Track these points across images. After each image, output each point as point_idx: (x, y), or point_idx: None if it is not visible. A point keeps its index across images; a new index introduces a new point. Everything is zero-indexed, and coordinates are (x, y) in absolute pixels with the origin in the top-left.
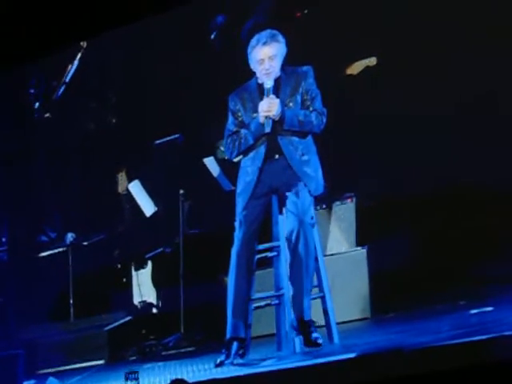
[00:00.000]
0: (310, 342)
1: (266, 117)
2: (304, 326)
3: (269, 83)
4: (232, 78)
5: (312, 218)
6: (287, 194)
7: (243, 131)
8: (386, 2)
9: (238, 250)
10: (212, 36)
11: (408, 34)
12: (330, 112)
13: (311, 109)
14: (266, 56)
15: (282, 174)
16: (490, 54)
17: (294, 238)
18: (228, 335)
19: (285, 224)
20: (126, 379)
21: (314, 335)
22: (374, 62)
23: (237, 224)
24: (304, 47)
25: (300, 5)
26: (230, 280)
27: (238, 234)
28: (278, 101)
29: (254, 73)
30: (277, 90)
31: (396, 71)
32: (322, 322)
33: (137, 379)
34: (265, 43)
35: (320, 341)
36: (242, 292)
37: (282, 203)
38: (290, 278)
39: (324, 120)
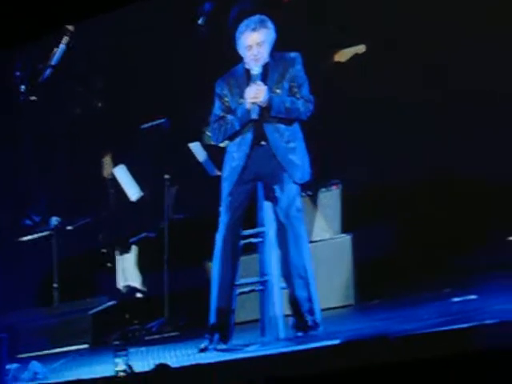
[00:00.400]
0: (305, 327)
1: (253, 103)
2: (302, 317)
3: (256, 69)
4: (219, 64)
5: (298, 210)
6: (272, 186)
7: (230, 117)
8: None
9: (223, 235)
10: (199, 21)
11: (398, 21)
12: (318, 99)
13: (298, 96)
14: (254, 42)
15: (268, 161)
16: (483, 41)
17: (281, 233)
18: (211, 321)
19: (271, 219)
20: (115, 356)
21: (311, 319)
22: (363, 50)
23: (222, 209)
24: (291, 33)
25: None
26: (215, 265)
27: (223, 220)
28: (265, 87)
29: (242, 58)
30: (264, 76)
31: (385, 59)
32: None
33: (126, 356)
34: (253, 29)
35: (318, 321)
36: (227, 278)
37: (267, 193)
38: (282, 274)
39: (311, 107)
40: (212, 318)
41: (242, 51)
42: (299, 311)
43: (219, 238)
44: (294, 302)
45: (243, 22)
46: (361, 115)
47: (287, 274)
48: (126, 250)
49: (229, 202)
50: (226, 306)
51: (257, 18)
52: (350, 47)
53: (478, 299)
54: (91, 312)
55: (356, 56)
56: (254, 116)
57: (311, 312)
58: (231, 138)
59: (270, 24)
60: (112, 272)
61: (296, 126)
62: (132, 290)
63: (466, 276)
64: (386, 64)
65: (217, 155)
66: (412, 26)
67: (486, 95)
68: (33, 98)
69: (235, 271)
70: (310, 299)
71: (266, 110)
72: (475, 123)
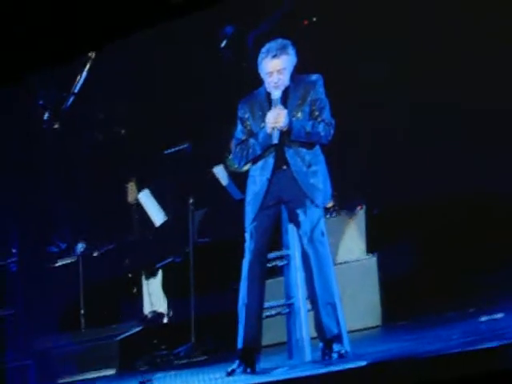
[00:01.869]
0: (332, 356)
1: (273, 128)
2: (330, 345)
3: (276, 94)
4: (241, 87)
5: (322, 233)
6: (295, 211)
7: (251, 141)
8: (394, 11)
9: (250, 261)
10: (222, 45)
11: (417, 41)
12: (340, 120)
13: (319, 119)
14: (275, 69)
15: (290, 186)
16: (501, 65)
17: (306, 258)
18: (239, 345)
19: (296, 242)
20: None
21: (339, 348)
22: (384, 70)
23: (247, 236)
24: (312, 55)
25: (308, 13)
26: (242, 291)
27: (249, 246)
28: (285, 112)
29: (264, 81)
30: (285, 99)
31: (405, 79)
32: None
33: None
34: (274, 56)
35: (343, 351)
36: (254, 303)
37: (290, 216)
38: (308, 297)
39: (332, 131)
40: (240, 342)
41: (263, 75)
42: (326, 338)
43: (246, 264)
44: (320, 328)
45: (265, 46)
46: (383, 135)
47: (313, 299)
48: (151, 275)
49: (253, 228)
50: (253, 329)
51: (278, 43)
52: (371, 68)
53: (505, 317)
54: (118, 338)
55: (377, 77)
56: (275, 141)
57: (339, 340)
58: (253, 161)
59: (291, 50)
60: (138, 297)
61: (317, 149)
62: (159, 315)
63: (493, 294)
64: (406, 84)
65: (240, 179)
66: (433, 48)
67: (507, 117)
68: (56, 125)
69: (262, 296)
70: (337, 325)
71: (286, 134)
72: (497, 144)
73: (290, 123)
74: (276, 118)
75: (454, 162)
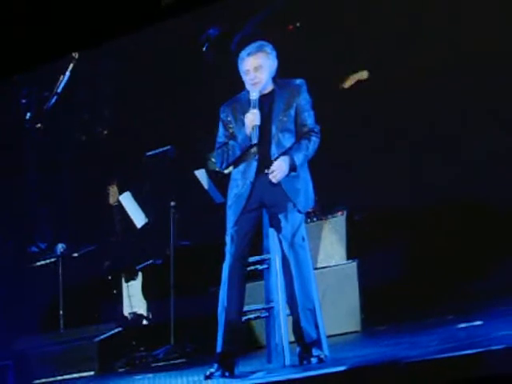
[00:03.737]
0: (310, 360)
1: (252, 127)
2: (308, 350)
3: (254, 94)
4: (224, 90)
5: (303, 238)
6: (277, 215)
7: (231, 142)
8: (378, 16)
9: (230, 265)
10: (204, 48)
11: (400, 47)
12: (322, 125)
13: (306, 128)
14: (252, 67)
15: (272, 190)
16: (483, 64)
17: (286, 263)
18: (218, 348)
19: (276, 246)
20: None
21: (317, 353)
22: (366, 76)
23: (228, 239)
24: (295, 60)
25: (292, 18)
26: (222, 294)
27: (229, 249)
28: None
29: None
30: (271, 103)
31: (387, 85)
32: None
33: None
34: (249, 54)
35: (322, 356)
36: (234, 306)
37: (271, 221)
38: (287, 302)
39: (319, 140)
40: (219, 346)
41: (242, 76)
42: (305, 343)
43: (226, 267)
44: (299, 333)
45: (244, 49)
46: (365, 141)
47: (292, 304)
48: (132, 276)
49: (234, 231)
50: (233, 333)
51: (256, 43)
52: (353, 73)
53: (483, 325)
54: (97, 339)
55: (359, 82)
56: (254, 140)
57: (318, 345)
58: (235, 164)
59: (268, 49)
60: (118, 299)
61: None
62: (138, 316)
63: (472, 302)
64: (388, 90)
65: (222, 182)
66: (416, 52)
67: (491, 118)
68: (38, 125)
69: (242, 300)
70: (316, 330)
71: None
72: (480, 148)
73: (291, 160)
74: (254, 118)
75: (436, 170)
